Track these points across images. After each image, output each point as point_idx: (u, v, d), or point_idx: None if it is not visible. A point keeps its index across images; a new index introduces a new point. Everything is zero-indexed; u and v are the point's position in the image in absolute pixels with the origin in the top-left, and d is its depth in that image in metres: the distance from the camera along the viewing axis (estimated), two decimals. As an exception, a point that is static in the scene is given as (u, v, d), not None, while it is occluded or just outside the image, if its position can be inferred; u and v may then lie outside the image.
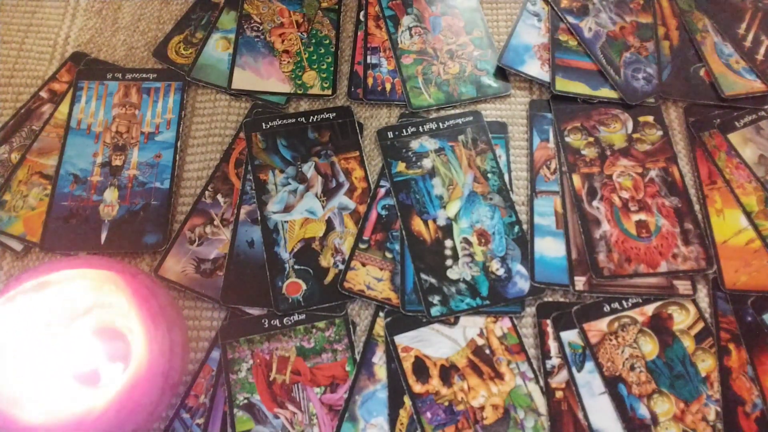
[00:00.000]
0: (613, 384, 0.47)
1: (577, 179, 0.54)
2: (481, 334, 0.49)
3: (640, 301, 0.49)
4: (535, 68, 0.59)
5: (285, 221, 0.53)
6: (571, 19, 0.61)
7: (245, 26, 0.62)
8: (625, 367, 0.47)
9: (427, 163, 0.55)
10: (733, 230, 0.52)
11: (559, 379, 0.47)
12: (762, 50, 0.59)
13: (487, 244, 0.51)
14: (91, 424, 0.39)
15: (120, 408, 0.39)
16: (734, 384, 0.47)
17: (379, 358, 0.49)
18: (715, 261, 0.50)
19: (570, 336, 0.48)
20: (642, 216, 0.52)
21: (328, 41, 0.62)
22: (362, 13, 0.63)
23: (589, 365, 0.47)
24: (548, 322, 0.49)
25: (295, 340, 0.49)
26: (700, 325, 0.49)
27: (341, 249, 0.52)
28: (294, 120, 0.57)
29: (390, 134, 0.56)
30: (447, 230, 0.52)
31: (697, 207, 0.53)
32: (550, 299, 0.51)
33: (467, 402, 0.47)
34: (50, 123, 0.57)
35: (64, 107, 0.58)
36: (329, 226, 0.53)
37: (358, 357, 0.49)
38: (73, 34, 0.63)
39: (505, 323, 0.49)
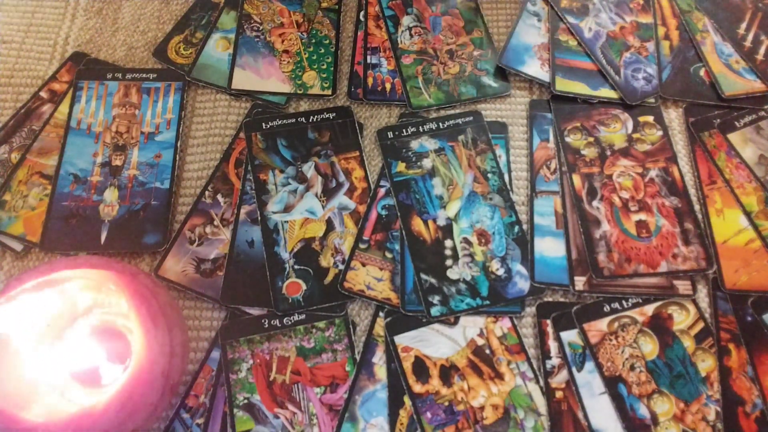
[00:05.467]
0: (613, 384, 0.47)
1: (577, 179, 0.54)
2: (481, 334, 0.49)
3: (640, 301, 0.49)
4: (535, 68, 0.59)
5: (285, 221, 0.53)
6: (571, 19, 0.61)
7: (245, 26, 0.62)
8: (625, 367, 0.47)
9: (427, 163, 0.55)
10: (733, 230, 0.52)
11: (559, 379, 0.47)
12: (762, 50, 0.59)
13: (487, 244, 0.51)
14: (91, 424, 0.39)
15: (120, 408, 0.39)
16: (734, 384, 0.47)
17: (379, 358, 0.49)
18: (715, 261, 0.50)
19: (570, 336, 0.48)
20: (642, 216, 0.52)
21: (328, 41, 0.62)
22: (362, 13, 0.63)
23: (589, 365, 0.47)
24: (548, 322, 0.49)
25: (295, 340, 0.49)
26: (700, 325, 0.49)
27: (341, 249, 0.52)
28: (294, 120, 0.57)
29: (390, 134, 0.56)
30: (447, 230, 0.52)
31: (697, 207, 0.53)
32: (550, 299, 0.51)
33: (467, 402, 0.47)
34: (50, 123, 0.57)
35: (64, 107, 0.58)
36: (329, 226, 0.53)
37: (358, 357, 0.49)
38: (73, 34, 0.63)
39: (505, 323, 0.49)
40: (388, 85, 0.59)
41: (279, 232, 0.52)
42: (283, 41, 0.62)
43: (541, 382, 0.47)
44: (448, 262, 0.51)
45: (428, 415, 0.46)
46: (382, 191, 0.54)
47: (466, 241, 0.51)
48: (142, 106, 0.58)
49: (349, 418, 0.47)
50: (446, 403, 0.47)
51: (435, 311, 0.49)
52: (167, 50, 0.61)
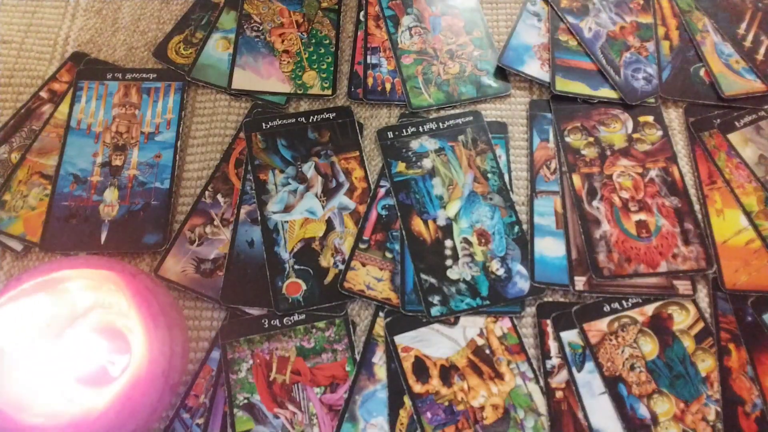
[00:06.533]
0: (613, 384, 0.47)
1: (577, 179, 0.54)
2: (481, 334, 0.49)
3: (640, 301, 0.49)
4: (535, 68, 0.59)
5: (285, 221, 0.53)
6: (571, 19, 0.61)
7: (245, 26, 0.62)
8: (625, 367, 0.47)
9: (427, 163, 0.55)
10: (733, 230, 0.52)
11: (559, 379, 0.47)
12: (762, 50, 0.59)
13: (487, 244, 0.51)
14: (91, 424, 0.39)
15: (120, 408, 0.39)
16: (734, 384, 0.47)
17: (379, 358, 0.49)
18: (715, 261, 0.50)
19: (570, 336, 0.48)
20: (642, 216, 0.52)
21: (328, 41, 0.62)
22: (362, 13, 0.63)
23: (589, 365, 0.47)
24: (548, 322, 0.49)
25: (295, 340, 0.49)
26: (700, 325, 0.49)
27: (341, 249, 0.52)
28: (294, 120, 0.57)
29: (390, 134, 0.56)
30: (447, 230, 0.52)
31: (697, 207, 0.53)
32: (550, 299, 0.51)
33: (467, 402, 0.47)
34: (50, 123, 0.57)
35: (64, 107, 0.58)
36: (329, 226, 0.53)
37: (358, 357, 0.49)
38: (73, 34, 0.63)
39: (505, 323, 0.49)
40: (388, 85, 0.59)
41: (279, 232, 0.52)
42: (283, 41, 0.62)
43: (541, 382, 0.47)
44: (448, 262, 0.51)
45: (428, 415, 0.46)
46: (382, 191, 0.54)
47: (466, 241, 0.51)
48: (142, 106, 0.58)
49: (349, 418, 0.47)
50: (446, 403, 0.47)
51: (435, 311, 0.49)
52: (167, 50, 0.61)
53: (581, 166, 0.54)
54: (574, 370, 0.47)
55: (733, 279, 0.50)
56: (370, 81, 0.59)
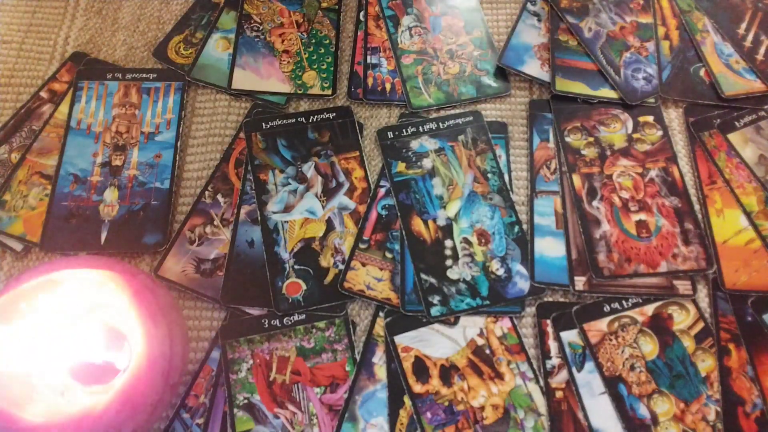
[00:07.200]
0: (613, 384, 0.47)
1: (577, 179, 0.54)
2: (481, 334, 0.49)
3: (640, 301, 0.49)
4: (535, 68, 0.59)
5: (285, 221, 0.53)
6: (571, 19, 0.61)
7: (245, 26, 0.62)
8: (625, 367, 0.47)
9: (427, 163, 0.55)
10: (733, 230, 0.52)
11: (559, 379, 0.47)
12: (762, 50, 0.59)
13: (487, 244, 0.51)
14: (91, 424, 0.39)
15: (120, 408, 0.39)
16: (734, 384, 0.47)
17: (379, 358, 0.49)
18: (715, 261, 0.50)
19: (570, 336, 0.48)
20: (642, 216, 0.52)
21: (328, 41, 0.62)
22: (362, 13, 0.63)
23: (589, 365, 0.47)
24: (548, 322, 0.49)
25: (295, 340, 0.49)
26: (700, 325, 0.49)
27: (341, 249, 0.52)
28: (294, 120, 0.57)
29: (390, 134, 0.56)
30: (447, 230, 0.52)
31: (697, 207, 0.53)
32: (550, 299, 0.51)
33: (467, 402, 0.47)
34: (50, 123, 0.57)
35: (64, 107, 0.58)
36: (329, 226, 0.53)
37: (358, 357, 0.49)
38: (73, 34, 0.63)
39: (505, 323, 0.49)
40: (388, 85, 0.59)
41: (279, 232, 0.52)
42: (283, 41, 0.62)
43: (541, 382, 0.47)
44: (448, 262, 0.51)
45: (428, 415, 0.46)
46: (382, 191, 0.54)
47: (466, 241, 0.51)
48: (142, 106, 0.58)
49: (349, 418, 0.47)
50: (446, 403, 0.47)
51: (435, 311, 0.49)
52: (167, 50, 0.61)
53: (581, 166, 0.54)
54: (574, 370, 0.47)
55: (733, 279, 0.50)
56: (370, 81, 0.59)
